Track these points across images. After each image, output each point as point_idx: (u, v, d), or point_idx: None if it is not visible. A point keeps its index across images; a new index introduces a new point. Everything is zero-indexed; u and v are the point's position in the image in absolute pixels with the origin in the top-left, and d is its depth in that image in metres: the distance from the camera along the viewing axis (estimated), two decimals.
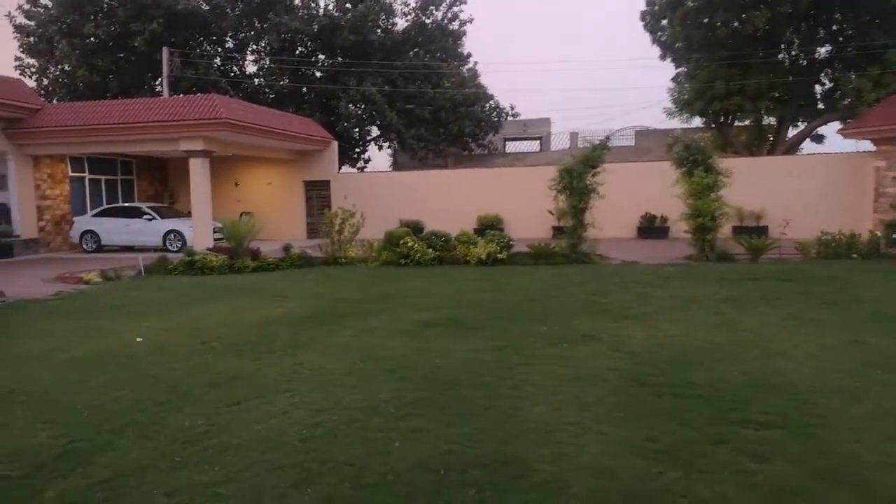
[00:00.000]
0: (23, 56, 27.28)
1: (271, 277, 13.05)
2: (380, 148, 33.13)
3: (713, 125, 27.33)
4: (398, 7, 29.62)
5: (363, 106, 27.90)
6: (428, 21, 30.10)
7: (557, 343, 6.79)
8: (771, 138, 28.16)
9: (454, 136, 29.50)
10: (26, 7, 26.54)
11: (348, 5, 28.15)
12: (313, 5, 28.71)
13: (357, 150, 31.44)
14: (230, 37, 29.38)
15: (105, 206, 20.61)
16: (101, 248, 19.54)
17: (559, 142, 38.74)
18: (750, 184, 17.87)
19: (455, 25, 30.47)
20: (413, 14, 30.08)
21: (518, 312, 8.67)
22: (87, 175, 21.39)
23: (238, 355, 6.60)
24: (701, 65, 26.14)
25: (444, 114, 28.43)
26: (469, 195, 22.29)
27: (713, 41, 25.14)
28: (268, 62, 29.46)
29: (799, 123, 28.49)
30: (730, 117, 27.38)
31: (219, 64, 29.25)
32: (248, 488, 3.59)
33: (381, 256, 14.75)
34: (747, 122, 27.83)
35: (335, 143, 24.11)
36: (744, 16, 23.98)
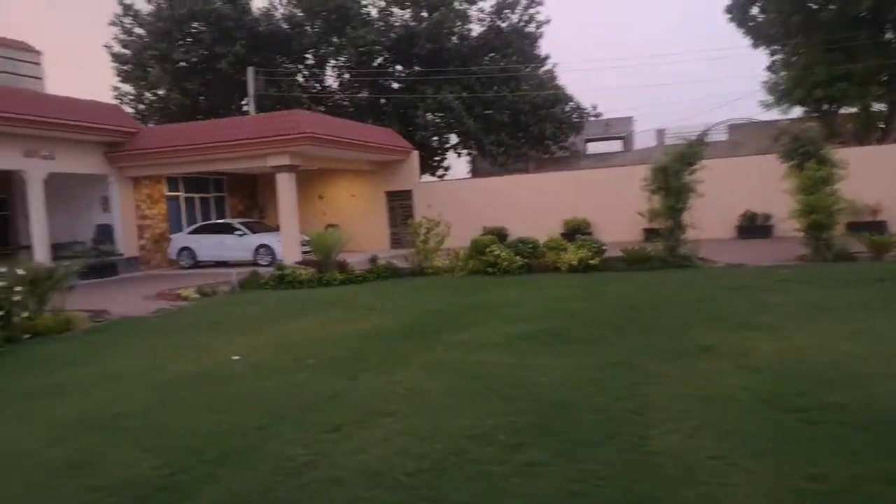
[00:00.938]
0: (119, 84, 28.90)
1: (359, 290, 12.97)
2: (459, 155, 33.01)
3: (816, 114, 25.44)
4: (473, 13, 29.42)
5: (441, 114, 27.81)
6: (504, 25, 29.72)
7: (673, 358, 6.19)
8: (882, 126, 25.93)
9: (535, 140, 28.92)
10: (122, 37, 28.08)
11: (424, 14, 28.18)
12: (390, 17, 28.91)
13: (436, 158, 31.41)
14: (310, 53, 30.05)
15: (199, 224, 21.35)
16: (197, 264, 20.23)
17: (643, 140, 37.38)
18: (862, 175, 16.31)
19: (532, 28, 29.94)
20: (488, 19, 29.79)
21: (622, 323, 8.09)
22: (182, 194, 22.26)
23: (333, 373, 6.39)
24: (799, 51, 24.42)
25: (523, 117, 27.92)
26: (553, 199, 21.67)
27: (813, 25, 23.42)
28: (347, 76, 29.92)
29: None
30: (834, 105, 25.42)
31: (301, 80, 29.96)
32: None
33: (468, 265, 14.41)
34: (854, 110, 25.74)
35: (415, 153, 24.07)
36: None
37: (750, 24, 26.15)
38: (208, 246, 20.07)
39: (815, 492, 3.37)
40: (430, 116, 27.74)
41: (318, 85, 30.82)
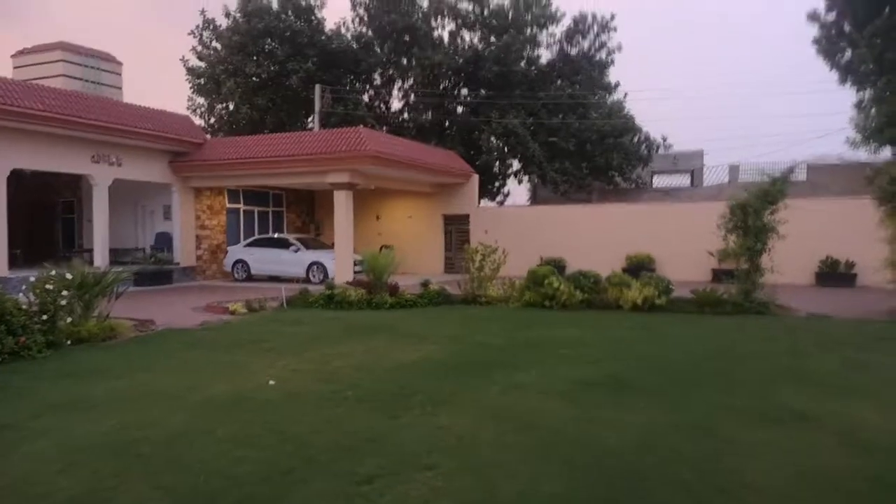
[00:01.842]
0: (193, 96, 29.62)
1: (409, 315, 12.44)
2: (519, 182, 32.36)
3: None
4: (543, 38, 28.97)
5: (505, 138, 27.31)
6: (573, 51, 29.15)
7: (762, 423, 5.35)
8: None
9: (599, 170, 28.03)
10: (199, 49, 28.82)
11: (493, 38, 27.90)
12: (459, 40, 28.77)
13: (496, 183, 30.87)
14: (377, 73, 30.16)
15: (255, 237, 21.37)
16: (250, 278, 20.18)
17: (713, 176, 35.88)
18: None
19: (602, 55, 29.25)
20: (558, 45, 29.30)
21: (697, 374, 7.24)
22: (241, 206, 22.41)
23: (373, 410, 5.82)
24: (892, 87, 22.86)
25: (589, 146, 27.11)
26: (616, 232, 20.75)
27: None
28: (412, 97, 29.85)
29: None
30: None
31: (366, 100, 30.07)
32: None
33: (524, 297, 13.70)
34: None
35: (476, 177, 23.61)
36: None
37: (838, 58, 24.73)
38: (262, 260, 20.01)
39: None
40: (493, 140, 27.28)
41: (382, 105, 30.88)
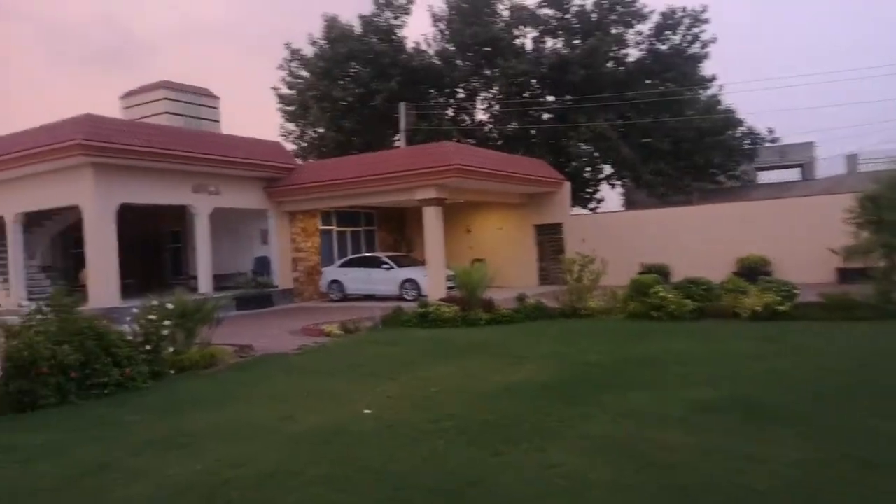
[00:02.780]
0: (285, 124, 30.67)
1: (506, 332, 11.91)
2: (612, 187, 31.21)
3: None
4: (631, 36, 27.83)
5: (594, 143, 26.37)
6: (664, 47, 27.82)
7: None
8: None
9: (699, 169, 26.49)
10: (288, 79, 29.81)
11: (577, 42, 27.09)
12: (542, 46, 28.15)
13: (588, 190, 29.89)
14: (461, 87, 30.04)
15: (349, 257, 21.56)
16: (345, 297, 20.33)
17: (827, 168, 33.18)
18: None
19: (696, 48, 27.72)
20: (647, 42, 28.05)
21: (841, 394, 6.30)
22: (334, 227, 22.73)
23: (474, 443, 5.34)
24: None
25: (687, 145, 25.69)
26: (724, 234, 19.35)
27: None
28: (496, 108, 29.48)
29: None
30: None
31: (450, 114, 29.98)
32: None
33: (628, 308, 12.85)
34: None
35: (567, 184, 22.83)
36: None
37: None
38: (356, 279, 20.12)
39: None
40: (582, 146, 26.40)
41: (467, 118, 30.70)
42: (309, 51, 29.28)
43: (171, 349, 9.39)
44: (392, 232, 25.17)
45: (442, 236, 18.60)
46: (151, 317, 9.26)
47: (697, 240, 19.65)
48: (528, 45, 28.68)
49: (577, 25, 27.32)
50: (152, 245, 23.78)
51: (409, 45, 29.31)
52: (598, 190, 30.68)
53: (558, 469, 4.63)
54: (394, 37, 28.89)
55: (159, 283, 16.35)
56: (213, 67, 68.17)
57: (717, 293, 12.58)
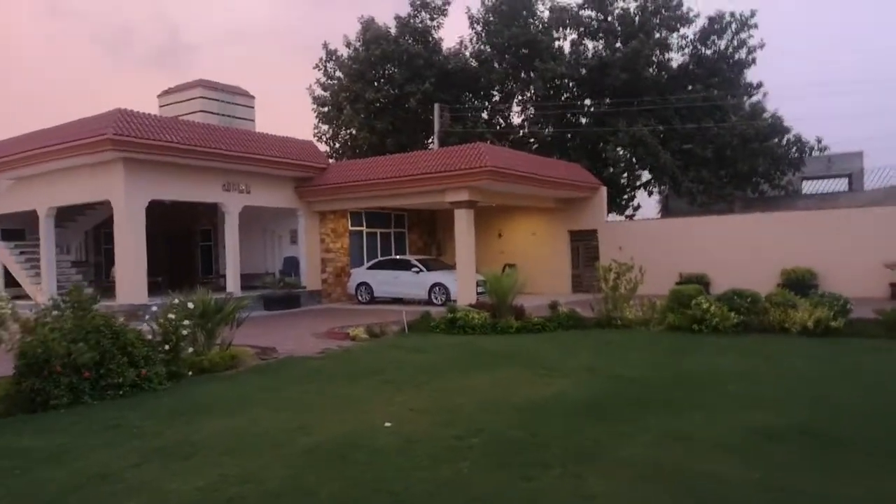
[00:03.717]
0: (319, 124, 30.53)
1: (537, 341, 11.37)
2: (650, 194, 30.32)
3: None
4: (674, 40, 26.96)
5: (632, 148, 25.58)
6: (709, 52, 26.89)
7: None
8: None
9: (742, 177, 25.49)
10: (323, 80, 29.69)
11: (618, 45, 26.35)
12: (582, 49, 27.47)
13: (625, 196, 29.07)
14: (496, 90, 29.54)
15: (378, 259, 21.21)
16: (373, 300, 19.98)
17: (876, 178, 31.72)
18: None
19: (742, 54, 26.72)
20: (690, 47, 27.16)
21: None
22: (364, 229, 22.41)
23: (501, 466, 4.85)
24: None
25: (730, 152, 24.73)
26: (768, 244, 18.46)
27: None
28: (532, 111, 28.89)
29: None
30: None
31: (486, 117, 29.50)
32: None
33: (667, 319, 12.20)
34: None
35: (603, 189, 22.15)
36: None
37: None
38: (384, 282, 19.75)
39: None
40: (620, 151, 25.62)
41: (502, 121, 30.17)
42: (345, 52, 29.12)
43: (190, 350, 9.10)
44: (423, 235, 24.77)
45: (473, 240, 18.12)
46: (171, 316, 8.98)
47: (740, 250, 18.80)
48: (567, 47, 28.03)
49: (619, 28, 26.56)
50: (185, 243, 23.80)
51: (445, 47, 28.94)
52: (634, 196, 29.84)
53: (596, 501, 4.11)
54: (429, 38, 28.52)
55: (189, 281, 16.17)
56: (255, 70, 68.93)
57: (764, 306, 11.86)
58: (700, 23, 26.54)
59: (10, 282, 18.77)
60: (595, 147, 26.83)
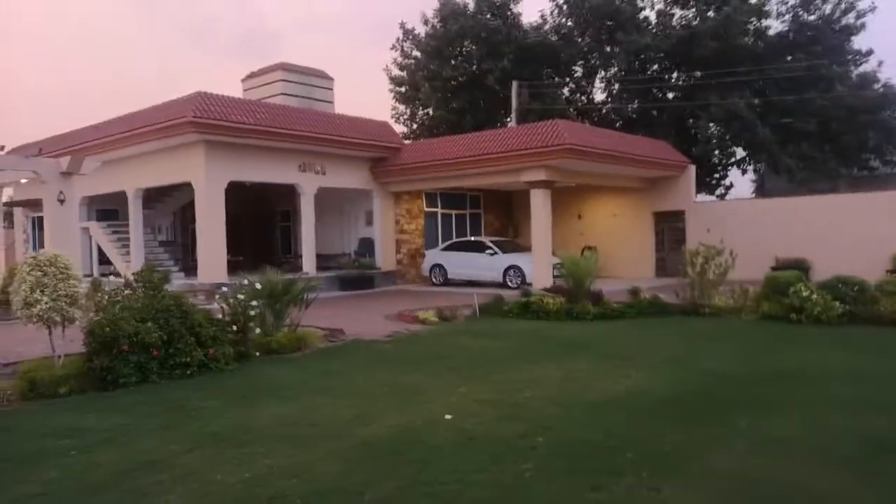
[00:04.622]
0: (396, 105, 30.41)
1: (615, 329, 10.70)
2: (743, 172, 28.45)
3: None
4: (772, 6, 24.95)
5: (725, 123, 23.94)
6: (811, 17, 24.72)
7: None
8: None
9: (849, 153, 23.39)
10: (400, 60, 29.49)
11: (710, 13, 24.62)
12: (669, 19, 25.91)
13: (716, 175, 27.40)
14: (579, 65, 28.41)
15: (452, 241, 20.89)
16: (447, 282, 19.71)
17: None
18: None
19: (850, 19, 24.40)
20: (790, 13, 25.06)
21: None
22: (439, 210, 22.12)
23: (568, 472, 4.37)
24: None
25: (835, 125, 22.70)
26: (877, 227, 16.83)
27: None
28: (616, 87, 27.59)
29: None
30: None
31: (566, 94, 28.46)
32: None
33: (761, 308, 11.22)
34: None
35: (692, 168, 20.85)
36: None
37: None
38: (458, 264, 19.41)
39: None
40: (711, 127, 24.04)
41: (584, 97, 29.01)
42: (422, 30, 28.78)
43: (258, 330, 9.05)
44: (499, 216, 24.22)
45: (550, 221, 17.45)
46: (240, 296, 8.96)
47: (844, 233, 17.22)
48: (653, 17, 26.51)
49: None
50: (265, 223, 24.32)
51: (525, 21, 28.03)
52: (726, 175, 28.10)
53: None
54: (508, 13, 27.71)
55: (269, 262, 16.44)
56: (337, 53, 69.89)
57: (873, 295, 10.67)
58: None
59: (105, 259, 19.73)
60: (683, 123, 25.37)
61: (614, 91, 27.96)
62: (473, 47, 26.79)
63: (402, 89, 29.73)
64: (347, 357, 8.92)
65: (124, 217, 19.42)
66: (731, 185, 28.41)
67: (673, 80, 26.48)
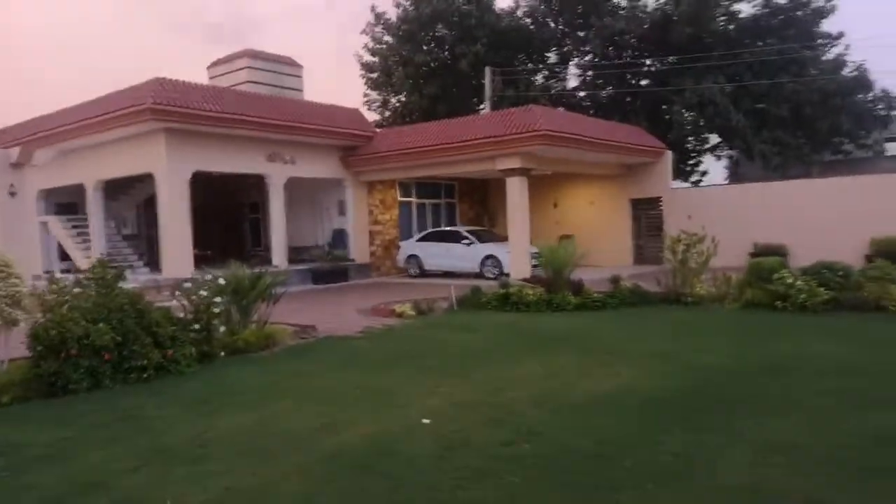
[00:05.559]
0: (369, 92, 29.72)
1: (597, 320, 10.36)
2: (718, 158, 28.42)
3: None
4: None
5: (699, 109, 23.78)
6: (783, 1, 24.61)
7: None
8: None
9: (822, 137, 23.40)
10: (371, 45, 28.77)
11: None
12: (642, 3, 25.60)
13: (690, 161, 27.30)
14: (552, 51, 28.02)
15: (427, 231, 20.41)
16: (424, 273, 19.25)
17: None
18: None
19: (820, 1, 24.34)
20: None
21: None
22: (413, 199, 21.61)
23: (559, 484, 3.97)
24: None
25: (808, 109, 22.67)
26: (854, 211, 16.78)
27: None
28: (589, 73, 27.28)
29: None
30: None
31: (540, 80, 28.06)
32: None
33: (744, 295, 10.97)
34: None
35: (668, 154, 20.62)
36: None
37: None
38: (434, 254, 18.95)
39: None
40: (685, 113, 23.86)
41: (558, 84, 28.65)
42: (393, 14, 28.10)
43: (223, 328, 8.50)
44: (474, 205, 23.79)
45: (527, 210, 17.06)
46: (202, 292, 8.39)
47: (822, 217, 17.14)
48: (625, 1, 26.20)
49: None
50: (234, 216, 23.55)
51: (498, 6, 27.53)
52: (701, 162, 28.04)
53: None
54: None
55: (239, 255, 15.79)
56: (320, 46, 68.29)
57: (858, 280, 10.49)
58: None
59: (66, 255, 18.85)
60: (657, 109, 25.16)
61: (588, 77, 27.65)
62: (446, 31, 26.24)
63: (374, 75, 29.06)
64: (318, 355, 8.43)
65: (85, 210, 18.58)
66: (706, 172, 28.38)
67: (646, 66, 26.24)
